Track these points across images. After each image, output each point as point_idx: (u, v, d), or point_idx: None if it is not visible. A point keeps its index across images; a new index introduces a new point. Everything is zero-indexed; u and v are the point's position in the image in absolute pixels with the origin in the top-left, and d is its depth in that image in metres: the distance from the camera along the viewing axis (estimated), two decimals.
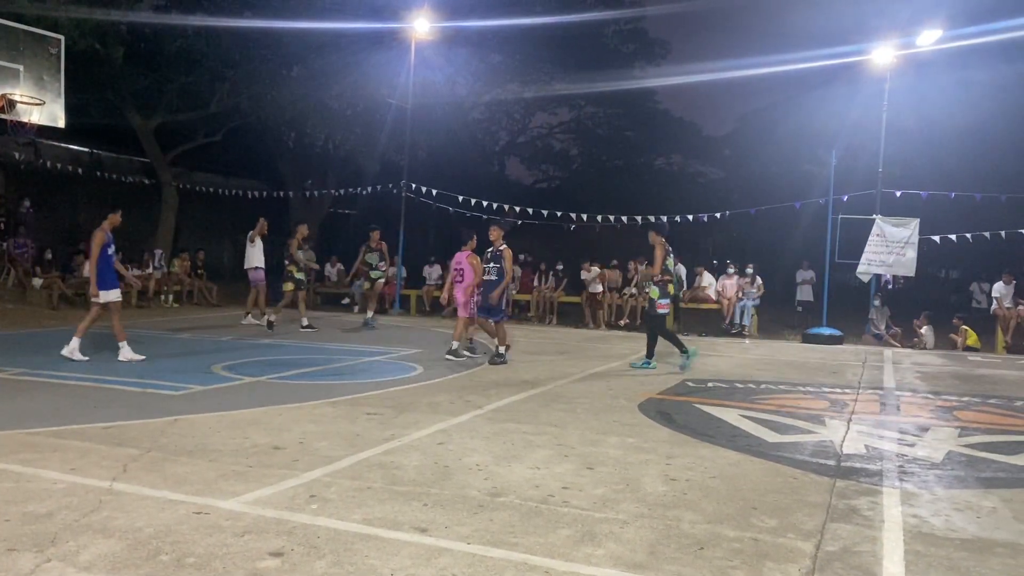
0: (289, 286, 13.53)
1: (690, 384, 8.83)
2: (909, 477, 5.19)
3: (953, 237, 15.24)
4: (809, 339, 14.58)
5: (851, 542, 3.91)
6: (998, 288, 15.11)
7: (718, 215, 18.01)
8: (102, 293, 9.25)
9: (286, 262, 13.68)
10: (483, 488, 4.60)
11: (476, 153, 25.80)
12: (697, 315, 16.62)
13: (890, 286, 17.62)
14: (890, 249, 14.93)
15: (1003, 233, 14.66)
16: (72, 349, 9.30)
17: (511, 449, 5.55)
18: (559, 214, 18.53)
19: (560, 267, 18.61)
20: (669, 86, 29.05)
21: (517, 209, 19.66)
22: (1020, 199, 14.81)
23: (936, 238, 15.28)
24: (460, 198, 18.97)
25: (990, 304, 15.48)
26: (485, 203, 18.78)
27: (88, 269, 9.66)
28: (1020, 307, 14.82)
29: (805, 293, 18.88)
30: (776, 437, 6.29)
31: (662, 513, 4.26)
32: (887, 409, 7.72)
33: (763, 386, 8.88)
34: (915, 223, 14.98)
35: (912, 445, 6.14)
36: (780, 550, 3.77)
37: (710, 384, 8.80)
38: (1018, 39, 17.31)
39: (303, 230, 14.30)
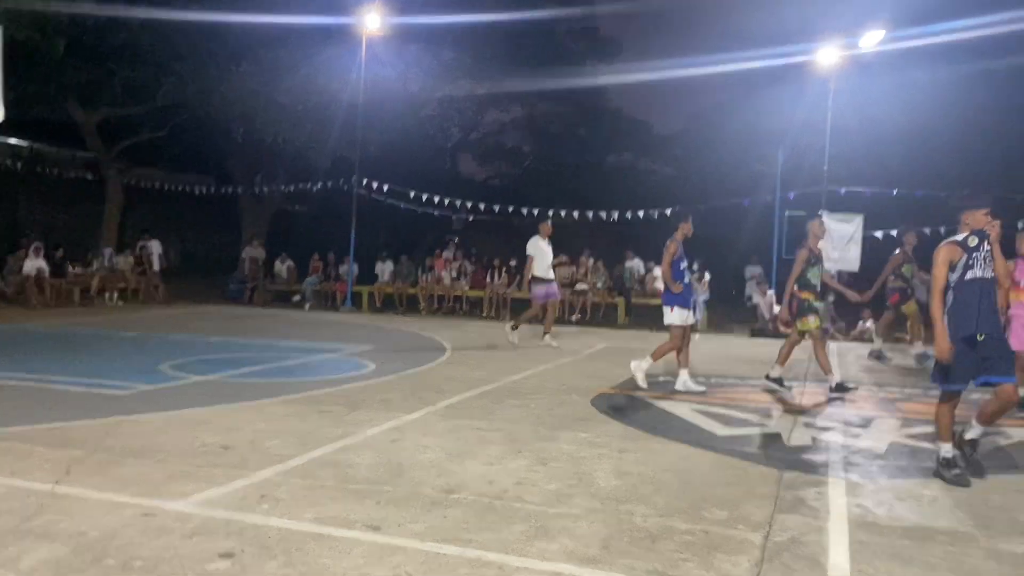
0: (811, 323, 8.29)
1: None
2: (854, 468, 5.31)
3: (895, 233, 15.61)
4: (758, 333, 14.85)
5: (799, 532, 3.99)
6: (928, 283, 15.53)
7: (667, 212, 18.23)
8: (676, 310, 8.26)
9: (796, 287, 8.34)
10: (437, 485, 4.59)
11: (429, 150, 25.65)
12: (649, 310, 16.75)
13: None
14: (835, 245, 15.26)
15: (942, 229, 15.07)
16: (684, 382, 8.20)
17: (465, 446, 5.54)
18: (511, 210, 18.57)
19: (513, 263, 18.64)
20: (620, 85, 29.22)
21: (469, 205, 19.64)
22: (960, 197, 15.19)
23: (879, 234, 15.66)
24: (412, 194, 18.88)
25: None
26: (438, 199, 18.74)
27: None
28: None
29: (754, 288, 19.20)
30: (726, 430, 6.38)
31: (615, 507, 4.30)
32: (832, 401, 7.89)
33: (713, 380, 9.00)
34: (859, 220, 15.34)
35: (857, 436, 6.29)
36: (730, 542, 3.83)
37: (661, 378, 8.89)
38: (956, 42, 17.85)
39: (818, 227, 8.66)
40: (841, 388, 8.15)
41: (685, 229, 8.41)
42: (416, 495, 4.40)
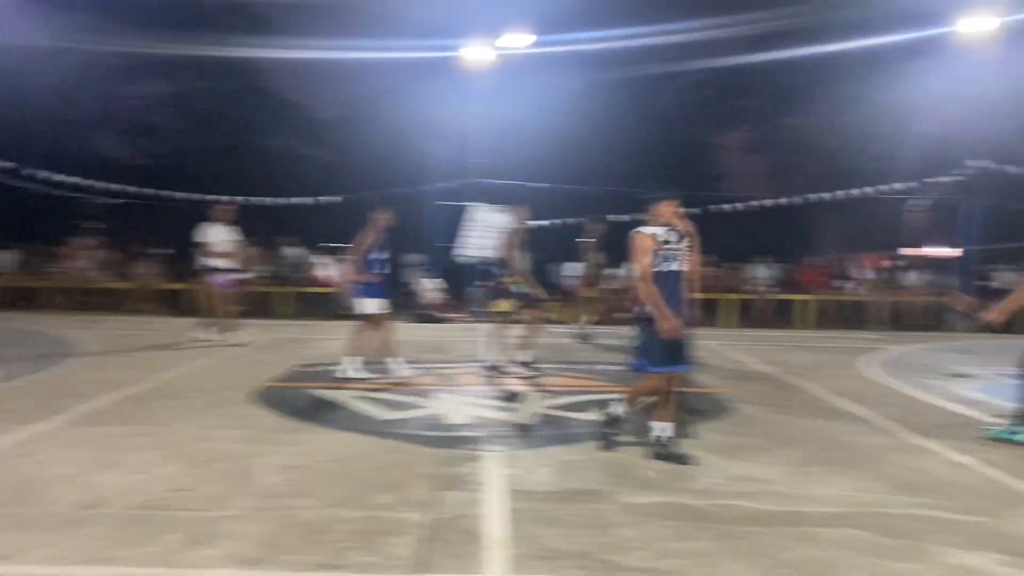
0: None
1: (301, 370, 8.78)
2: (507, 440, 5.74)
3: (547, 224, 17.08)
4: (419, 319, 15.41)
5: (460, 507, 4.22)
6: (573, 268, 17.22)
7: (324, 199, 18.24)
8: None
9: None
10: (76, 501, 4.13)
11: (59, 123, 22.82)
12: (313, 299, 16.54)
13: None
14: (485, 234, 16.28)
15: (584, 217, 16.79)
16: (351, 369, 7.92)
17: (109, 455, 5.04)
18: (160, 193, 17.26)
19: (166, 251, 17.25)
20: (277, 67, 28.45)
21: (110, 187, 17.89)
22: (590, 192, 17.12)
23: (530, 224, 17.00)
24: (38, 174, 16.70)
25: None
26: (72, 179, 16.81)
27: None
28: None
29: (413, 275, 19.83)
30: (389, 414, 6.54)
31: (279, 504, 4.21)
32: (488, 380, 8.43)
33: (375, 366, 9.13)
34: (508, 210, 16.50)
35: (509, 411, 6.80)
36: (396, 524, 3.94)
37: (321, 368, 8.83)
38: (588, 52, 20.04)
39: None
40: (497, 369, 8.72)
41: (381, 219, 8.36)
42: (49, 515, 3.93)
